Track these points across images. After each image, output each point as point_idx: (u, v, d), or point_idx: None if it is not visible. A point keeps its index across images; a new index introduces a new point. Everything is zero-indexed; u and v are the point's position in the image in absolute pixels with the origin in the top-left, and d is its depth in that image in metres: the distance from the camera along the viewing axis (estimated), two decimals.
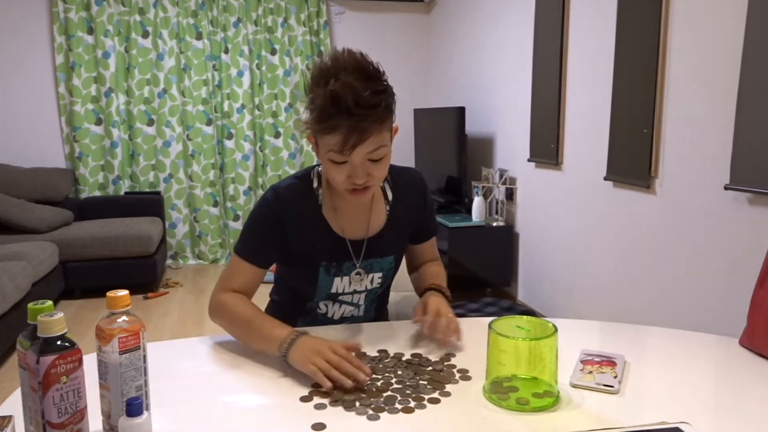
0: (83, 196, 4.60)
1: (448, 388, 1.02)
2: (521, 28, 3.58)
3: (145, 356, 0.86)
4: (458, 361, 1.13)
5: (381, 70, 1.12)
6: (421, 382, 1.04)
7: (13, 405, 0.93)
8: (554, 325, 0.98)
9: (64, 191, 4.34)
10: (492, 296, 3.72)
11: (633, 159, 2.59)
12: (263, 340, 1.13)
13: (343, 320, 1.38)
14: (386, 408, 0.94)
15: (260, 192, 4.98)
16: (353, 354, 1.08)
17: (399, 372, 1.08)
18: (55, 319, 0.77)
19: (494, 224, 3.77)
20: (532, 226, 3.60)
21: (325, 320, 1.37)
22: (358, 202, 1.24)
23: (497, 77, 3.96)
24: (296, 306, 1.36)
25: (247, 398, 0.99)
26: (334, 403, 0.96)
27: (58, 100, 4.57)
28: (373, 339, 1.24)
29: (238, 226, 4.97)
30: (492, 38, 4.01)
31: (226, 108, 4.83)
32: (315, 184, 1.29)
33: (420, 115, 4.66)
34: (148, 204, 4.50)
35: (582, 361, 1.10)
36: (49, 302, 0.82)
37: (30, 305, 0.81)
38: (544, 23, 3.29)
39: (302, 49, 4.92)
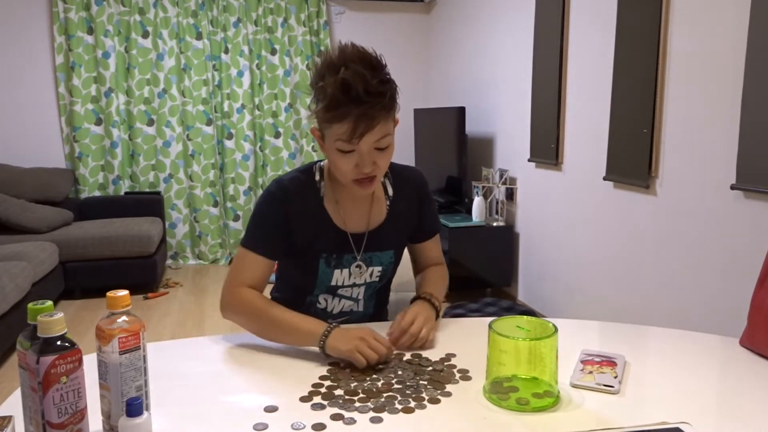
0: (83, 196, 4.60)
1: (449, 388, 1.02)
2: (521, 28, 3.58)
3: (145, 356, 0.86)
4: (458, 361, 1.13)
5: (383, 62, 1.16)
6: (421, 382, 1.04)
7: (13, 405, 0.92)
8: (554, 325, 0.98)
9: (64, 191, 4.34)
10: (492, 296, 3.72)
11: (633, 159, 2.59)
12: (300, 336, 1.17)
13: (342, 315, 1.39)
14: (386, 408, 0.94)
15: (260, 192, 4.98)
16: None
17: (399, 372, 1.08)
18: (55, 319, 0.77)
19: (494, 224, 3.77)
20: (532, 226, 3.60)
21: (325, 315, 1.38)
22: (363, 193, 1.25)
23: (497, 77, 3.96)
24: (296, 301, 1.37)
25: (247, 398, 0.99)
26: (334, 403, 0.96)
27: (58, 100, 4.57)
28: None
29: (239, 226, 4.98)
30: (492, 38, 4.01)
31: (226, 108, 4.83)
32: (317, 178, 1.31)
33: (420, 115, 4.65)
34: (148, 204, 4.50)
35: (582, 361, 1.10)
36: (49, 302, 0.82)
37: (30, 305, 0.81)
38: (544, 23, 3.29)
39: (302, 49, 4.92)
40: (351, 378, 1.05)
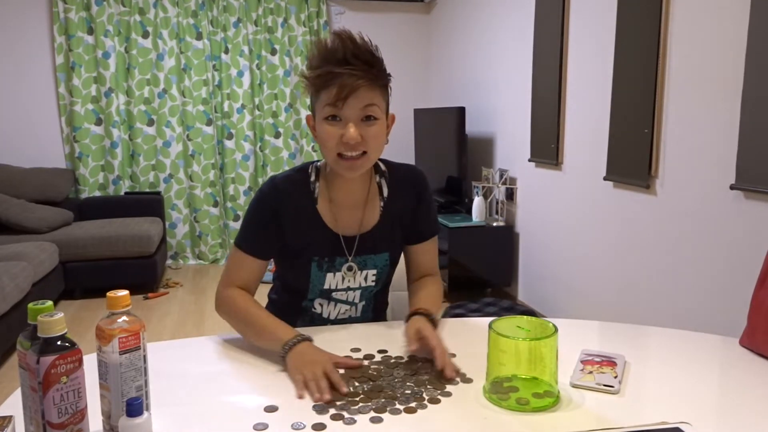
0: (83, 196, 4.60)
1: (449, 388, 1.02)
2: (521, 28, 3.58)
3: (145, 356, 0.86)
4: (458, 361, 1.13)
5: (378, 50, 1.19)
6: (421, 381, 1.03)
7: (13, 405, 0.92)
8: (554, 325, 0.98)
9: (64, 191, 4.34)
10: (492, 296, 3.72)
11: (633, 159, 2.59)
12: (268, 339, 1.15)
13: (339, 321, 1.37)
14: (387, 408, 0.94)
15: None
16: (351, 368, 1.09)
17: (399, 372, 1.08)
18: (55, 319, 0.77)
19: (494, 224, 3.77)
20: (532, 226, 3.60)
21: (322, 321, 1.37)
22: (349, 174, 1.21)
23: (497, 77, 3.96)
24: (293, 305, 1.36)
25: (247, 398, 0.99)
26: (334, 403, 0.96)
27: (58, 101, 4.57)
28: (373, 339, 1.24)
29: (238, 226, 4.95)
30: (492, 38, 4.01)
31: (226, 108, 4.83)
32: (312, 178, 1.30)
33: (420, 115, 4.65)
34: (148, 204, 4.50)
35: (582, 361, 1.10)
36: (49, 302, 0.82)
37: (30, 305, 0.81)
38: (544, 23, 3.29)
39: (302, 49, 4.92)
40: (351, 378, 1.05)
